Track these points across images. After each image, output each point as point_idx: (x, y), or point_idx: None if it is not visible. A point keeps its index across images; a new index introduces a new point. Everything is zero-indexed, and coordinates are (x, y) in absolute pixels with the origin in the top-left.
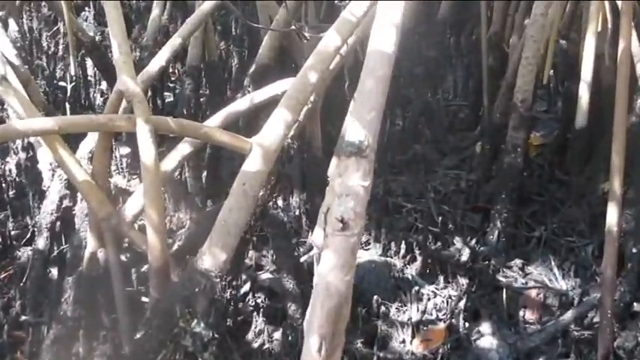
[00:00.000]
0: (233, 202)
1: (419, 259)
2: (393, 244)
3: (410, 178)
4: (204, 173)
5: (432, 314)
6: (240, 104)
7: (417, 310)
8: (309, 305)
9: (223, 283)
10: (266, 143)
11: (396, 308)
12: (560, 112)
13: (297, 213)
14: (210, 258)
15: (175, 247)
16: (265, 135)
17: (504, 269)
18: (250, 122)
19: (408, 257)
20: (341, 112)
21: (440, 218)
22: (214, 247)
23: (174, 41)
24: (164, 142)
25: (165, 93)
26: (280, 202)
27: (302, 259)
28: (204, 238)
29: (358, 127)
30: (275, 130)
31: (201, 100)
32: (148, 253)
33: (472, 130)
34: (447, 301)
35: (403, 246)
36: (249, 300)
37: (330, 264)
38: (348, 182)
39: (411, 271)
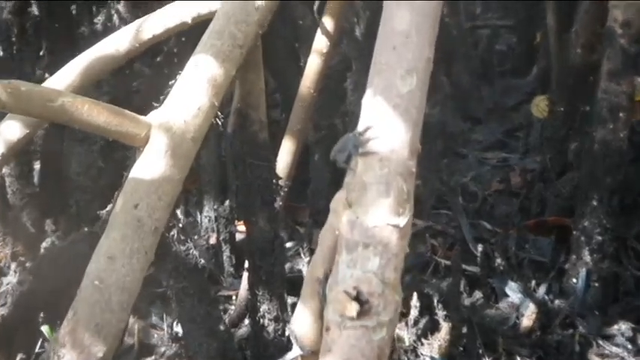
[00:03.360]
0: (116, 241)
1: (443, 326)
2: None
3: (418, 167)
4: (38, 170)
5: None
6: (117, 42)
7: None
8: None
9: None
10: (176, 123)
11: None
12: None
13: (210, 247)
14: (75, 355)
15: None
16: (174, 107)
17: (601, 341)
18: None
19: (422, 324)
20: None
21: (479, 247)
22: (82, 331)
23: None
24: None
25: None
26: (186, 220)
27: None
28: (50, 303)
29: (384, 116)
30: (192, 96)
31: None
32: None
33: (523, 75)
34: None
35: (414, 303)
36: None
37: None
38: (368, 220)
39: (430, 349)
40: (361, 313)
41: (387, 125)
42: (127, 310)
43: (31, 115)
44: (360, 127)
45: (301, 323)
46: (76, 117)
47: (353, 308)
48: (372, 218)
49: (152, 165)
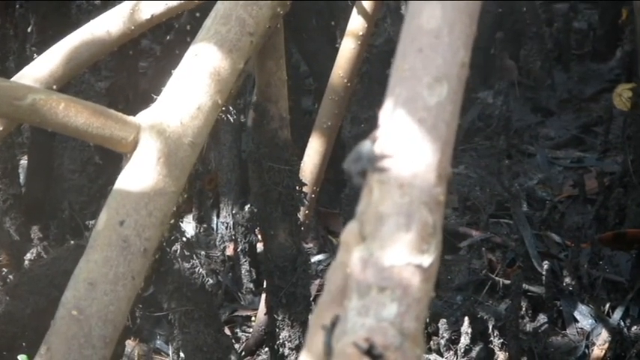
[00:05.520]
0: (97, 264)
1: (500, 357)
2: (442, 324)
3: (475, 169)
4: (24, 167)
5: None
6: (108, 23)
7: None
8: None
9: None
10: (171, 125)
11: None
12: None
13: (227, 260)
14: None
15: None
16: (169, 106)
17: None
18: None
19: (474, 353)
20: None
21: (544, 264)
22: None
23: None
24: None
25: None
26: (192, 235)
27: None
28: (29, 328)
29: (407, 133)
30: (190, 92)
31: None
32: None
33: (605, 59)
34: None
35: (465, 329)
36: None
37: None
38: (384, 257)
39: None
40: None
41: (409, 144)
42: (111, 346)
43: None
44: (377, 136)
45: None
46: (49, 118)
47: None
48: (389, 256)
49: (141, 175)
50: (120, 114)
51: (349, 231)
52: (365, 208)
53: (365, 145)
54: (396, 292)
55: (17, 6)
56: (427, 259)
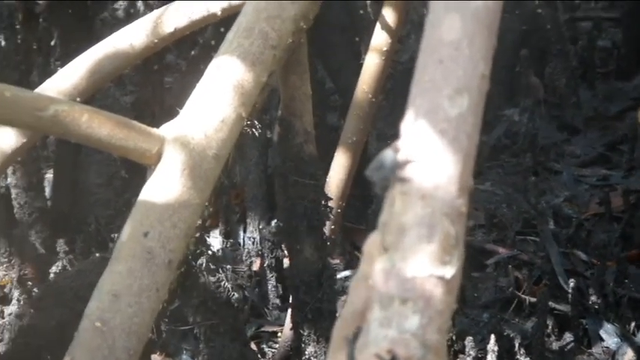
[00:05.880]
0: (122, 276)
1: None
2: (469, 342)
3: (502, 187)
4: (50, 178)
5: None
6: (127, 38)
7: None
8: None
9: None
10: (195, 138)
11: None
12: None
13: (253, 275)
14: None
15: None
16: (192, 119)
17: None
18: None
19: None
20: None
21: (570, 282)
22: None
23: None
24: None
25: None
26: (219, 249)
27: None
28: (54, 340)
29: (428, 144)
30: (214, 105)
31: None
32: None
33: (629, 77)
34: None
35: (492, 347)
36: None
37: None
38: (406, 269)
39: None
40: None
41: (431, 156)
42: (135, 358)
43: (18, 126)
44: (399, 145)
45: None
46: (72, 129)
47: None
48: (411, 267)
49: (166, 187)
50: (144, 126)
51: (371, 242)
52: (387, 219)
53: (387, 154)
54: (419, 303)
55: (41, 20)
56: (449, 271)
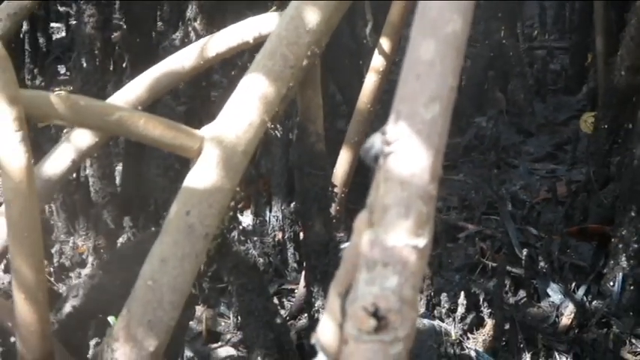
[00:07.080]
0: (168, 245)
1: (488, 323)
2: (444, 297)
3: (471, 177)
4: (119, 169)
5: None
6: (179, 60)
7: None
8: None
9: None
10: (228, 137)
11: None
12: None
13: (277, 244)
14: (128, 349)
15: (66, 309)
16: (226, 122)
17: (634, 339)
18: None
19: (468, 320)
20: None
21: (523, 251)
22: (135, 327)
23: None
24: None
25: (55, 25)
26: (250, 225)
27: None
28: (118, 296)
29: (405, 129)
30: (243, 112)
31: (116, 47)
32: (15, 333)
33: (574, 93)
34: None
35: (462, 301)
36: None
37: None
38: (387, 239)
39: (475, 343)
40: (378, 329)
41: (409, 150)
42: (178, 309)
43: (90, 127)
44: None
45: (326, 333)
46: (132, 130)
47: (370, 323)
48: (391, 238)
49: (204, 175)
50: (188, 128)
51: (361, 218)
52: (373, 200)
53: (376, 137)
54: (397, 267)
55: (116, 48)
56: (422, 242)
